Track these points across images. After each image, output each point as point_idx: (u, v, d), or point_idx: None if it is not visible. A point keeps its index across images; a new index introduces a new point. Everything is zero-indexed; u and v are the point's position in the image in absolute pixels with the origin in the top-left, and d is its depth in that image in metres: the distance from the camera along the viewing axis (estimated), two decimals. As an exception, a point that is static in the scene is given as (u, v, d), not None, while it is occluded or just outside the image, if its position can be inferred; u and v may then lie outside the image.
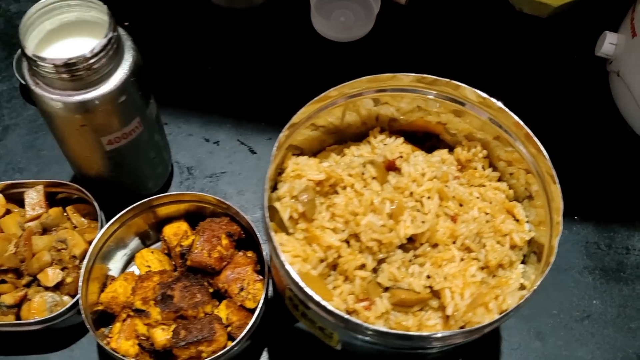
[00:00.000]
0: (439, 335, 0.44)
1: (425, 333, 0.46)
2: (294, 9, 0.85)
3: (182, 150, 0.74)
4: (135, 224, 0.65)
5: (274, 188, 0.55)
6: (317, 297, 0.44)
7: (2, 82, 0.79)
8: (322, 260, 0.50)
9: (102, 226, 0.63)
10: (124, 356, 0.56)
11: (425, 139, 0.62)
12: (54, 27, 0.56)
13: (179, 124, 0.76)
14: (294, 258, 0.50)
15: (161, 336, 0.58)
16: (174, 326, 0.58)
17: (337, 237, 0.50)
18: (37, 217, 0.65)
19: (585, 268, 0.69)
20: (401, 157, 0.55)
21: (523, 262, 0.54)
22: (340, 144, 0.61)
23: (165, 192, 0.71)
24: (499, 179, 0.58)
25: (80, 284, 0.59)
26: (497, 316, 0.47)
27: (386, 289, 0.50)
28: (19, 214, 0.65)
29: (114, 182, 0.66)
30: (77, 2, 0.56)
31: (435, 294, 0.49)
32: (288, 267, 0.45)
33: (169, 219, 0.66)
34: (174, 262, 0.64)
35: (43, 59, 0.52)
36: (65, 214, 0.66)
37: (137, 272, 0.64)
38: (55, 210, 0.65)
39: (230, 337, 0.58)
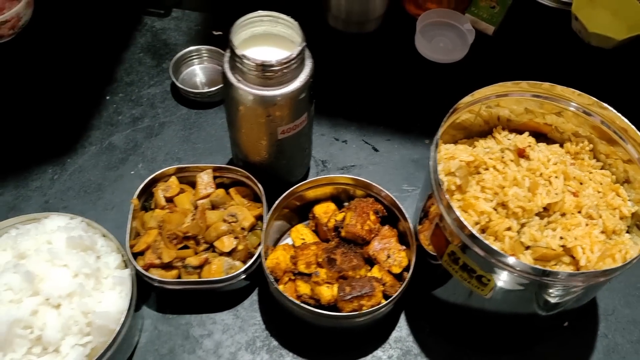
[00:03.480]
0: (583, 273, 0.56)
1: (574, 272, 0.58)
2: (401, 35, 0.99)
3: (316, 147, 0.86)
4: (290, 203, 0.77)
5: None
6: (491, 245, 0.56)
7: (155, 86, 0.92)
8: (476, 224, 0.62)
9: (266, 204, 0.75)
10: (294, 301, 0.67)
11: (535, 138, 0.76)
12: (246, 37, 0.69)
13: (313, 125, 0.87)
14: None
15: (327, 292, 0.69)
16: (336, 285, 0.70)
17: (488, 205, 0.62)
18: (208, 195, 0.77)
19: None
20: (529, 146, 0.67)
21: (627, 232, 0.66)
22: (468, 139, 0.74)
23: (305, 180, 0.84)
24: (602, 168, 0.71)
25: (261, 246, 0.70)
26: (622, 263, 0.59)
27: (527, 248, 0.62)
28: (191, 193, 0.77)
29: (271, 169, 0.78)
30: (269, 18, 0.69)
31: (568, 251, 0.61)
32: (463, 219, 0.57)
33: (315, 202, 0.78)
34: (326, 235, 0.76)
35: (248, 58, 0.64)
36: (228, 194, 0.78)
37: (289, 243, 0.76)
38: (221, 191, 0.77)
39: (384, 296, 0.70)
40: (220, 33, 0.98)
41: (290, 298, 0.67)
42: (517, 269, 0.56)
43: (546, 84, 0.69)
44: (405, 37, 0.99)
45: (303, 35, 0.66)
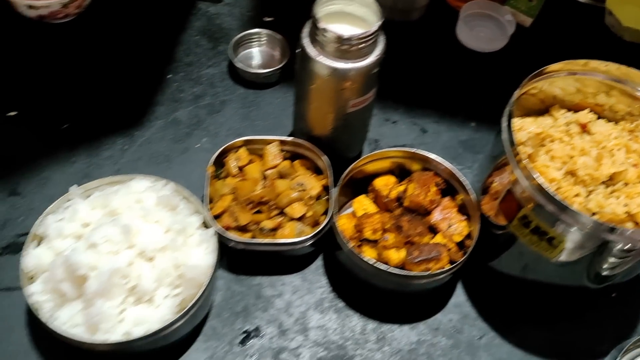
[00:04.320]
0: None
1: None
2: (443, 24, 1.04)
3: (368, 126, 0.91)
4: (352, 176, 0.81)
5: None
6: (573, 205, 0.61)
7: (213, 67, 0.96)
8: (547, 190, 0.67)
9: (331, 176, 0.79)
10: (368, 261, 0.71)
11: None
12: (323, 14, 0.74)
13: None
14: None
15: (395, 256, 0.73)
16: (403, 249, 0.74)
17: (558, 172, 0.67)
18: (276, 166, 0.81)
19: None
20: (590, 121, 0.73)
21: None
22: (523, 117, 0.79)
23: (359, 157, 0.88)
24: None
25: (330, 212, 0.75)
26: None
27: (593, 214, 0.67)
28: (259, 163, 0.81)
29: (333, 143, 0.82)
30: (345, -3, 0.74)
31: (631, 217, 0.66)
32: (541, 180, 0.61)
33: (373, 176, 0.82)
34: (385, 206, 0.80)
35: (330, 31, 0.69)
36: (292, 167, 0.82)
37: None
38: (288, 162, 0.81)
39: (449, 262, 0.74)
40: (271, 19, 1.02)
41: (365, 258, 0.71)
42: (589, 226, 0.61)
43: (616, 65, 0.74)
44: (447, 26, 1.04)
45: (380, 13, 0.71)
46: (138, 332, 0.64)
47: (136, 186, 0.72)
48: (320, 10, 0.71)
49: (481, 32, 1.04)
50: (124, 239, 0.65)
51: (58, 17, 0.94)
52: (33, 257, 0.67)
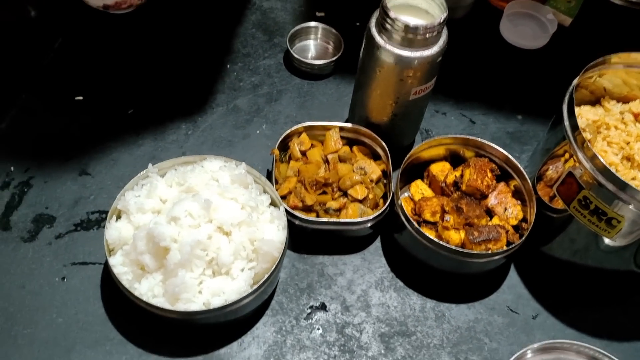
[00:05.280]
0: None
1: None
2: (487, 22, 1.08)
3: (420, 117, 0.95)
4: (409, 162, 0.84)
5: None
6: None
7: (269, 58, 1.00)
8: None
9: (389, 161, 0.82)
10: (433, 239, 0.74)
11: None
12: (391, 5, 0.77)
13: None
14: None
15: (456, 236, 0.76)
16: (462, 230, 0.77)
17: (615, 157, 0.71)
18: (337, 151, 0.84)
19: None
20: (642, 110, 0.76)
21: None
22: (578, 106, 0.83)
23: (412, 147, 0.91)
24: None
25: (392, 193, 0.78)
26: None
27: (647, 196, 0.70)
28: (320, 148, 0.84)
29: (390, 130, 0.85)
30: (410, -10, 0.77)
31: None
32: (603, 160, 0.65)
33: (428, 163, 0.86)
34: (441, 191, 0.83)
35: (400, 20, 0.72)
36: (352, 152, 0.86)
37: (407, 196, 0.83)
38: (347, 148, 0.85)
39: (507, 243, 0.77)
40: (322, 14, 1.06)
41: (430, 236, 0.74)
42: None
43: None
44: (491, 24, 1.08)
45: (445, 6, 0.74)
46: (217, 302, 0.67)
47: (210, 166, 0.75)
48: (389, 1, 0.75)
49: (524, 30, 1.08)
50: (204, 214, 0.69)
51: (122, 7, 0.98)
52: (115, 229, 0.71)
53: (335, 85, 0.98)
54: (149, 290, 0.68)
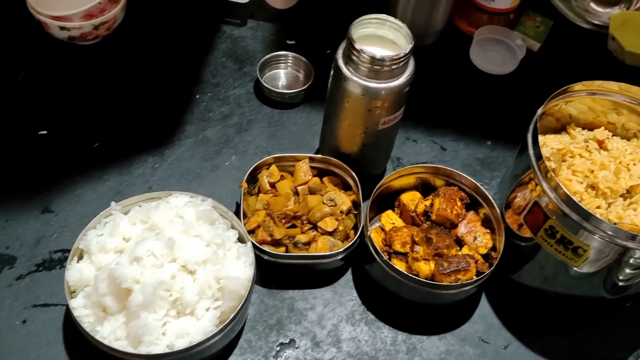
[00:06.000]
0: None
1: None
2: (456, 48, 1.08)
3: (390, 145, 0.94)
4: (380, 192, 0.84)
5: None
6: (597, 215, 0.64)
7: (239, 87, 0.99)
8: (570, 203, 0.71)
9: (360, 192, 0.81)
10: (402, 271, 0.73)
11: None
12: (357, 37, 0.77)
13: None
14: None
15: (425, 267, 0.76)
16: (432, 261, 0.76)
17: (580, 186, 0.71)
18: (306, 182, 0.83)
19: None
20: (607, 138, 0.76)
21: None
22: (542, 135, 0.83)
23: (383, 176, 0.90)
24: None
25: (362, 223, 0.77)
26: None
27: (613, 225, 0.70)
28: (290, 180, 0.83)
29: (360, 160, 0.84)
30: (377, 20, 0.77)
31: (649, 227, 0.70)
32: (566, 190, 0.65)
33: (398, 192, 0.85)
34: (411, 220, 0.82)
35: (365, 52, 0.72)
36: (322, 183, 0.85)
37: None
38: (317, 179, 0.84)
39: (477, 273, 0.77)
40: (293, 42, 1.05)
41: (399, 269, 0.73)
42: (611, 233, 0.65)
43: (629, 86, 0.78)
44: (460, 50, 1.08)
45: (411, 36, 0.74)
46: (181, 344, 0.65)
47: (175, 201, 0.74)
48: (355, 32, 0.74)
49: (493, 56, 1.08)
50: (168, 253, 0.67)
51: (88, 39, 0.96)
52: (76, 270, 0.69)
53: (306, 114, 0.97)
54: (111, 333, 0.67)
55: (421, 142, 0.96)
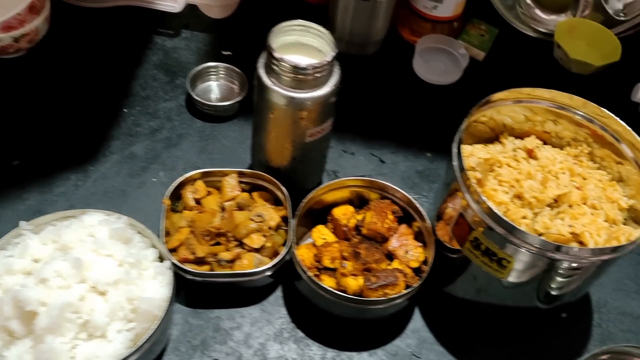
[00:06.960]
0: (592, 249, 0.63)
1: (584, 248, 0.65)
2: (398, 58, 1.07)
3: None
4: (310, 207, 0.81)
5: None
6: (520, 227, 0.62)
7: (170, 100, 0.96)
8: (494, 214, 0.69)
9: (290, 207, 0.79)
10: (328, 288, 0.71)
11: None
12: (277, 46, 0.75)
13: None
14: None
15: (353, 283, 0.73)
16: (361, 277, 0.74)
17: (506, 196, 0.69)
18: (234, 198, 0.80)
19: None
20: (537, 147, 0.75)
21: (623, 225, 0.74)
22: (474, 144, 0.81)
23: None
24: (598, 169, 0.78)
25: (289, 242, 0.75)
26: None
27: (540, 235, 0.68)
28: (217, 196, 0.81)
29: (292, 174, 0.82)
30: (300, 27, 0.75)
31: (576, 237, 0.68)
32: (490, 203, 0.63)
33: (331, 206, 0.82)
34: (344, 235, 0.80)
35: (285, 61, 0.70)
36: (251, 198, 0.82)
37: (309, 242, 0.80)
38: (246, 194, 0.81)
39: (406, 287, 0.74)
40: (229, 53, 1.03)
41: (324, 286, 0.71)
42: (536, 245, 0.63)
43: (560, 92, 0.77)
44: (403, 60, 1.07)
45: (335, 43, 0.72)
46: (90, 368, 0.62)
47: (89, 220, 0.70)
48: (275, 41, 0.72)
49: (436, 65, 1.07)
50: (75, 273, 0.64)
51: (9, 52, 0.93)
52: (-20, 294, 0.65)
53: (239, 127, 0.94)
54: (18, 357, 0.63)
55: (359, 154, 0.94)
